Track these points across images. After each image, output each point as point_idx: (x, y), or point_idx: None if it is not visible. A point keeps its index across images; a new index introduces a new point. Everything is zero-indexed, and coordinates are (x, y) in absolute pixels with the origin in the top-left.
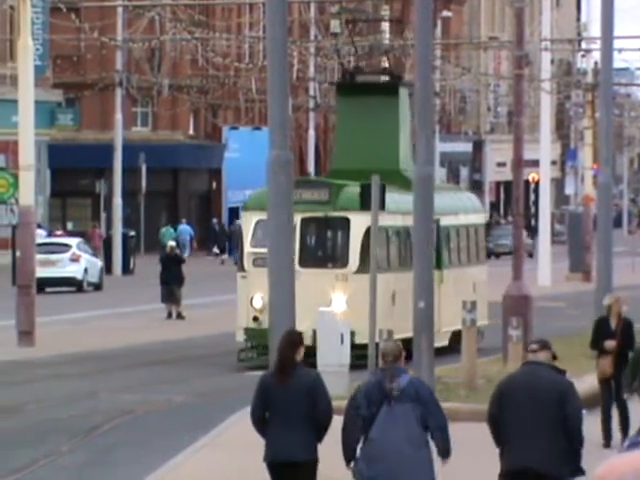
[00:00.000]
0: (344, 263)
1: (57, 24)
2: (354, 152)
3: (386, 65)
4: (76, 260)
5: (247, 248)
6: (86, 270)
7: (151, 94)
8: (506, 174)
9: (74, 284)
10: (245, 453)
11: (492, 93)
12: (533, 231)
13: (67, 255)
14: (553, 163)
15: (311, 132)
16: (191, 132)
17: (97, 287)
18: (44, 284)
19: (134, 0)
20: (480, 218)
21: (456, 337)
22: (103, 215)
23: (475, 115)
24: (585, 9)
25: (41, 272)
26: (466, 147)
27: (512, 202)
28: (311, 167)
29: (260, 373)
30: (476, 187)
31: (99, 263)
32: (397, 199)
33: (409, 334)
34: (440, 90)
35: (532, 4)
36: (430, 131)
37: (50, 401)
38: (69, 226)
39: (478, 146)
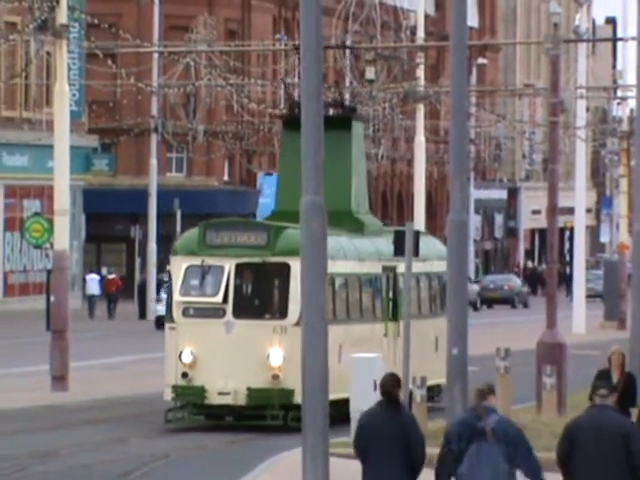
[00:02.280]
0: (283, 314)
1: (93, 70)
2: (300, 192)
3: (337, 96)
4: None
5: (176, 297)
6: None
7: (186, 140)
8: (541, 221)
9: None
10: None
11: (527, 140)
12: (567, 279)
13: None
14: (588, 211)
15: None
16: (226, 178)
17: None
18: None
19: (170, 46)
20: (445, 266)
21: None
22: (138, 260)
23: (510, 162)
24: (621, 57)
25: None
26: (501, 194)
27: (547, 249)
28: None
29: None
30: (511, 234)
31: None
32: (346, 244)
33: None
34: (475, 137)
35: (568, 51)
36: (465, 178)
37: (83, 446)
38: (103, 271)
39: (513, 193)
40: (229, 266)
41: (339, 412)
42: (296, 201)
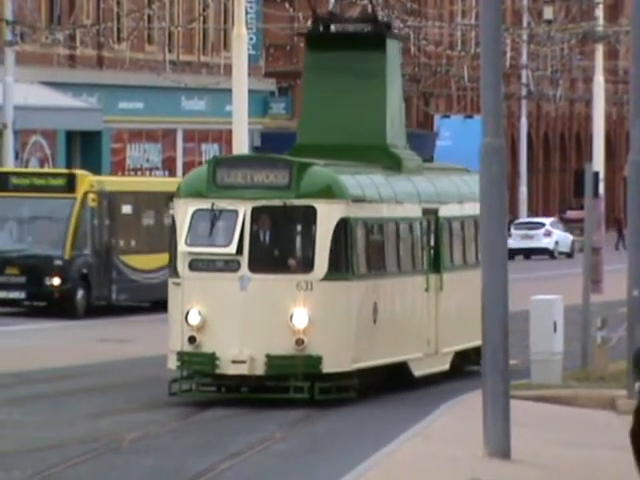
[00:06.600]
0: (308, 267)
1: (271, 13)
2: (326, 122)
3: (369, 11)
4: (548, 235)
5: (181, 246)
6: (557, 242)
7: None
8: None
9: (547, 253)
10: (455, 444)
11: None
12: None
13: (541, 231)
14: None
15: (523, 120)
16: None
17: (569, 255)
18: (525, 253)
19: None
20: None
21: (461, 359)
22: None
23: None
24: None
25: (522, 244)
26: None
27: None
28: (523, 155)
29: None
30: None
31: (570, 237)
32: (380, 183)
33: (395, 358)
34: None
35: None
36: None
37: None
38: None
39: None
40: (244, 210)
41: (377, 380)
42: (323, 133)
